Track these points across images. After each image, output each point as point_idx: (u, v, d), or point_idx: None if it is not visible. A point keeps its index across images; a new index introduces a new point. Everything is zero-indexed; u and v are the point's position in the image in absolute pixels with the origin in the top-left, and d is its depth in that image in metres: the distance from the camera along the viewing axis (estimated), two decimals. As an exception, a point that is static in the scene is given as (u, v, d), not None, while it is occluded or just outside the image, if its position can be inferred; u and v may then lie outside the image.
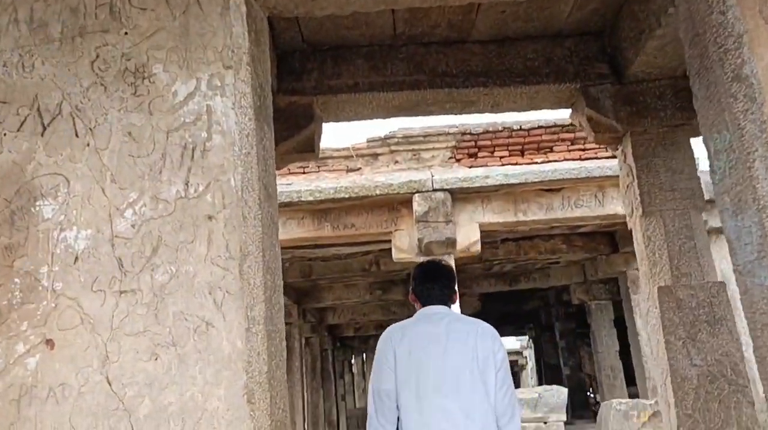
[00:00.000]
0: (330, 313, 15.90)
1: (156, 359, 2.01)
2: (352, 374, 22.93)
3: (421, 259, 8.75)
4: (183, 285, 2.08)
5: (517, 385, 34.17)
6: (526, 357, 30.21)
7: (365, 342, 21.99)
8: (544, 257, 11.08)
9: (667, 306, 3.75)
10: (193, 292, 2.08)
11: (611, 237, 10.78)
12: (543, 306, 15.95)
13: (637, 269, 10.20)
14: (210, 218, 2.16)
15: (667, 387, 3.73)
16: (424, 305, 2.80)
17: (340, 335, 18.91)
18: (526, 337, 23.17)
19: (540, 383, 18.42)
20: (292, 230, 8.39)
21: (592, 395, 17.98)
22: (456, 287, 2.89)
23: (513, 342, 30.80)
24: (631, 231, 4.17)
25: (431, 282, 2.82)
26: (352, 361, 23.25)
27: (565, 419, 7.33)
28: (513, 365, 33.54)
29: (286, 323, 13.13)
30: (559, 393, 7.33)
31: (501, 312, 17.24)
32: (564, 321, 15.91)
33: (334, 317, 15.92)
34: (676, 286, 3.77)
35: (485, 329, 2.72)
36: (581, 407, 15.39)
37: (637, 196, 4.00)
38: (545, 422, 7.26)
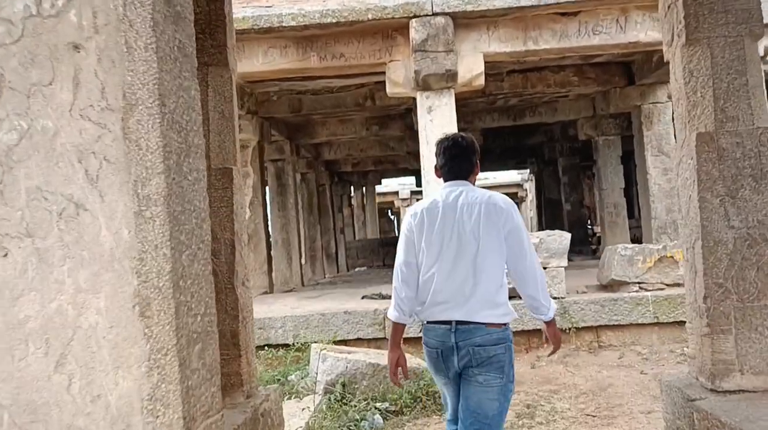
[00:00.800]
0: (326, 148, 15.33)
1: (4, 255, 1.40)
2: (351, 208, 22.88)
3: (418, 94, 7.99)
4: (39, 149, 1.42)
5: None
6: (526, 190, 30.15)
7: (364, 177, 21.68)
8: (553, 90, 10.24)
9: (707, 157, 3.10)
10: (54, 159, 1.42)
11: (627, 68, 9.87)
12: (547, 141, 15.32)
13: (653, 104, 9.43)
14: (76, 47, 1.44)
15: (695, 251, 3.18)
16: (445, 181, 2.93)
17: (337, 170, 18.50)
18: (527, 170, 22.80)
19: (540, 217, 18.31)
20: (274, 61, 7.53)
21: (591, 228, 17.93)
22: (477, 161, 2.95)
23: (514, 175, 30.61)
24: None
25: (451, 160, 2.92)
26: (352, 195, 23.11)
27: (565, 265, 6.99)
28: (512, 197, 33.76)
29: (278, 160, 12.63)
30: (561, 239, 6.93)
31: (503, 147, 16.66)
32: (568, 156, 15.36)
33: (330, 152, 15.37)
34: (719, 132, 3.09)
35: (497, 199, 2.78)
36: (581, 242, 15.31)
37: (681, 19, 3.19)
38: (545, 268, 6.93)
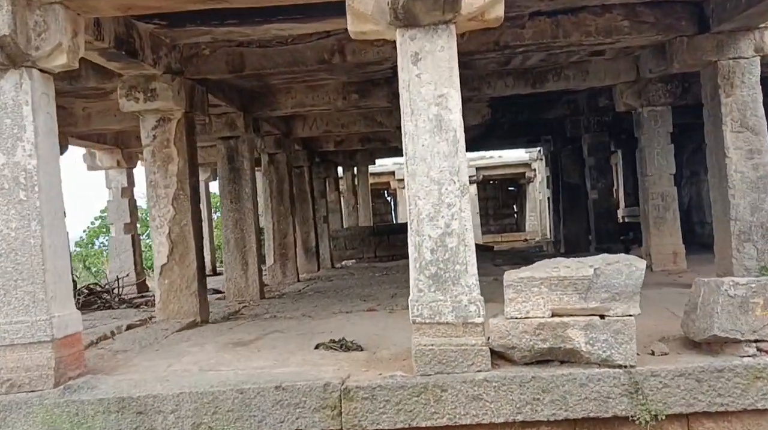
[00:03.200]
0: (299, 124, 12.53)
1: None
2: (339, 192, 20.11)
3: (398, 33, 5.17)
4: None
5: (521, 203, 31.94)
6: (534, 170, 27.33)
7: (351, 157, 18.88)
8: (594, 41, 7.44)
9: None
10: None
11: (698, 9, 7.06)
12: (570, 114, 12.53)
13: (735, 59, 6.65)
14: None
15: None
16: None
17: (318, 150, 15.71)
18: (537, 149, 19.98)
19: (556, 205, 15.53)
20: (168, -19, 4.74)
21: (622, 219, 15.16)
22: None
23: (521, 154, 27.77)
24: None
25: None
26: (340, 177, 20.31)
27: (637, 311, 4.27)
28: (517, 179, 30.97)
29: (230, 138, 9.82)
30: (630, 269, 4.21)
31: (514, 121, 13.84)
32: (596, 133, 12.57)
33: (305, 128, 12.57)
34: None
35: None
36: (609, 238, 12.59)
37: None
38: (602, 316, 4.23)
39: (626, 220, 18.53)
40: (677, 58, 7.27)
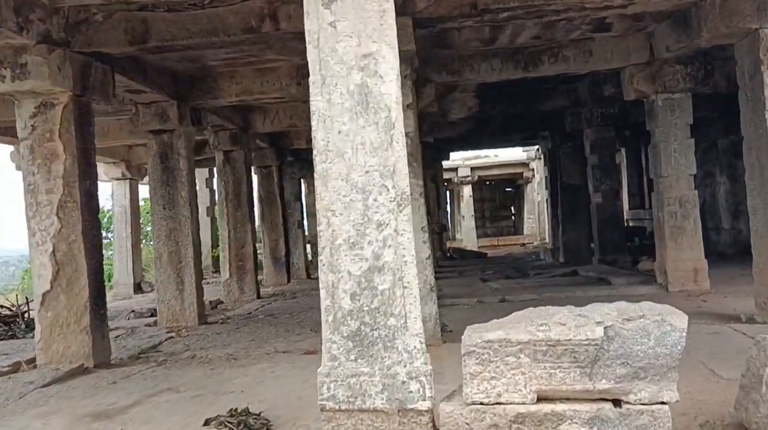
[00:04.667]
0: (258, 116, 10.90)
1: None
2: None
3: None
4: None
5: (519, 205, 30.22)
6: (533, 169, 25.68)
7: (328, 155, 17.22)
8: (598, 2, 5.83)
9: None
10: None
11: (735, -39, 5.44)
12: (569, 106, 10.91)
13: (785, 24, 4.99)
14: None
15: None
16: None
17: (290, 147, 14.07)
18: (536, 147, 18.31)
19: (555, 209, 13.88)
20: None
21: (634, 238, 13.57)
22: None
23: (518, 153, 26.11)
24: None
25: None
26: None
27: (675, 397, 2.66)
28: (515, 179, 29.30)
29: (162, 131, 8.11)
30: (663, 330, 2.61)
31: (507, 115, 12.24)
32: (599, 127, 10.93)
33: (265, 122, 10.95)
34: None
35: None
36: (616, 249, 10.96)
37: None
38: (617, 402, 2.63)
39: (631, 223, 16.95)
40: (707, 26, 5.65)
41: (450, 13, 5.73)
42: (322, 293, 2.93)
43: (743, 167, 5.86)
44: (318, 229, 2.97)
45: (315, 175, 3.00)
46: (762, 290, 5.55)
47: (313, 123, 3.02)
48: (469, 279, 11.17)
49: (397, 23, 5.63)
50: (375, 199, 2.94)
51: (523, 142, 17.82)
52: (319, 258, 2.95)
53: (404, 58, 5.69)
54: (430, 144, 12.97)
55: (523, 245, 24.26)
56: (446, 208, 30.13)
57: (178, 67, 7.83)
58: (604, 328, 2.69)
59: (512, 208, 31.61)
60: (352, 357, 2.87)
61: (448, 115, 11.04)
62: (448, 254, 18.33)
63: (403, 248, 2.93)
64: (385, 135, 2.97)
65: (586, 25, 7.40)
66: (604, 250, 10.95)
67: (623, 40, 7.83)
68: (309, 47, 3.04)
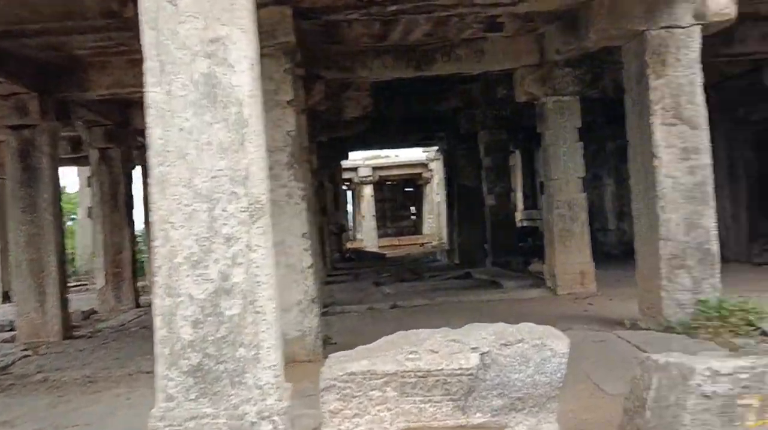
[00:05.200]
0: (138, 111, 10.09)
1: None
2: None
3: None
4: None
5: (419, 205, 30.36)
6: (432, 170, 25.82)
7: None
8: (487, 1, 5.64)
9: None
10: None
11: (620, -36, 5.38)
12: (464, 107, 10.84)
13: (668, 29, 5.00)
14: None
15: None
16: None
17: (177, 144, 13.23)
18: (436, 148, 18.30)
19: (451, 211, 13.84)
20: None
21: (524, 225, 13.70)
22: None
23: (418, 154, 26.16)
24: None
25: None
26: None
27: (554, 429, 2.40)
28: (415, 180, 29.39)
29: (22, 127, 7.16)
30: (543, 356, 2.34)
31: (404, 115, 12.04)
32: (493, 129, 10.91)
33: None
34: None
35: None
36: (508, 251, 10.97)
37: None
38: (494, 437, 2.35)
39: (525, 224, 17.29)
40: (594, 27, 5.57)
41: (335, 2, 5.36)
42: (157, 321, 2.47)
43: (628, 171, 5.85)
44: (153, 244, 2.51)
45: (150, 181, 2.54)
46: (646, 295, 5.53)
47: (149, 119, 2.56)
48: (363, 283, 10.88)
49: (275, 12, 5.20)
50: (223, 209, 2.52)
51: (422, 143, 17.79)
52: (154, 279, 2.49)
53: (284, 50, 5.29)
54: (326, 143, 12.59)
55: (422, 245, 24.36)
56: (347, 208, 29.91)
57: (42, 56, 7.03)
58: (480, 355, 2.40)
59: (413, 208, 31.72)
60: (193, 396, 2.44)
61: (343, 113, 10.67)
62: (347, 256, 18.02)
63: (257, 267, 2.53)
64: (236, 134, 2.55)
65: (478, 24, 7.25)
66: (496, 252, 10.95)
67: (515, 41, 7.75)
68: (145, 29, 2.58)
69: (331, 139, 12.99)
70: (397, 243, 26.77)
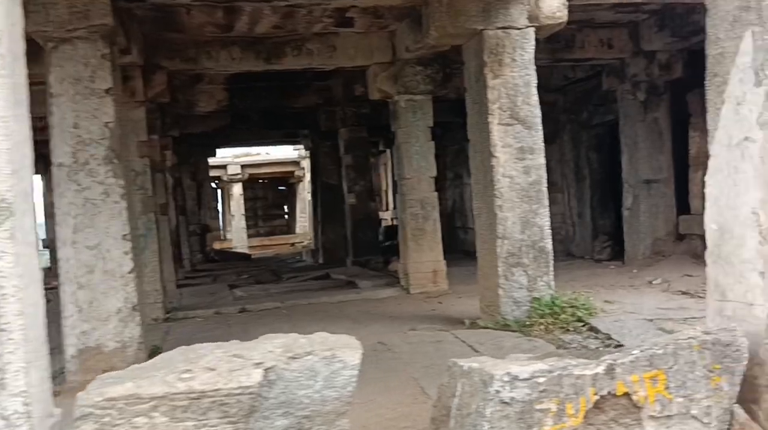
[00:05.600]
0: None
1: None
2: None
3: None
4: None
5: (292, 204, 29.89)
6: (303, 168, 25.45)
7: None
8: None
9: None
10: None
11: (460, -39, 5.36)
12: (323, 104, 10.63)
13: (505, 29, 5.05)
14: None
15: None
16: None
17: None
18: (302, 146, 17.99)
19: (315, 209, 13.61)
20: None
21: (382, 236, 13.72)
22: None
23: (289, 152, 25.70)
24: None
25: None
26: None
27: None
28: (288, 178, 28.90)
29: None
30: (333, 369, 2.16)
31: (264, 111, 11.66)
32: (353, 127, 10.78)
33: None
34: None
35: None
36: (369, 249, 10.90)
37: None
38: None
39: (395, 222, 17.38)
40: (435, 25, 5.52)
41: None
42: None
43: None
44: None
45: None
46: (486, 293, 5.57)
47: None
48: (220, 285, 10.40)
49: (89, -9, 4.70)
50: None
51: (287, 141, 17.45)
52: None
53: (102, 34, 4.80)
54: (183, 138, 11.94)
55: (293, 245, 23.96)
56: (216, 207, 28.91)
57: None
58: (264, 370, 2.16)
59: (286, 207, 31.21)
60: None
61: (195, 107, 10.16)
62: (210, 256, 17.33)
63: (3, 277, 2.15)
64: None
65: (327, 18, 7.06)
66: (358, 251, 10.85)
67: (367, 37, 7.64)
68: None
69: (189, 134, 12.37)
70: (268, 243, 26.21)
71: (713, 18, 2.94)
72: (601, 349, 4.48)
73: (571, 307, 5.18)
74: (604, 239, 9.73)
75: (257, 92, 10.46)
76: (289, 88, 10.45)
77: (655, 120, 8.57)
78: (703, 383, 2.59)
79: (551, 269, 5.42)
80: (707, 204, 3.01)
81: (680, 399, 2.57)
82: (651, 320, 5.13)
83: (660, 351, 2.57)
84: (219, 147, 18.42)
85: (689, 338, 2.60)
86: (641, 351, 2.57)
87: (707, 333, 2.63)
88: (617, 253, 9.22)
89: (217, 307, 7.69)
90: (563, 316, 5.07)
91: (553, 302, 5.22)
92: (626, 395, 2.53)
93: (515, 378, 2.40)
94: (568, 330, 4.95)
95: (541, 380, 2.43)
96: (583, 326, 5.02)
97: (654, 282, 7.09)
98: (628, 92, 8.56)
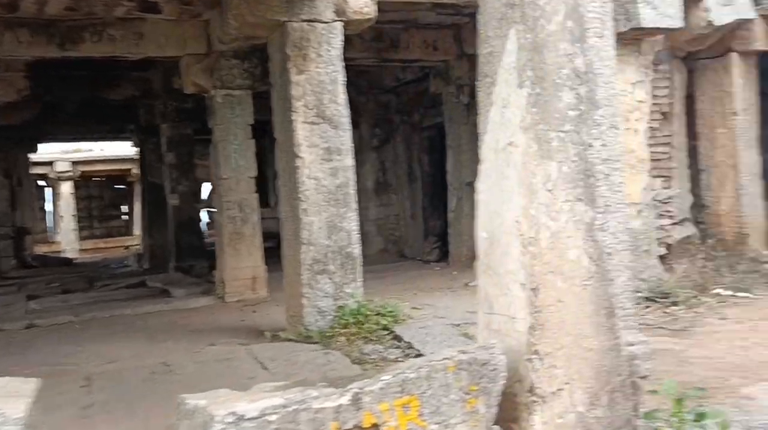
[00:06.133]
0: None
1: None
2: None
3: None
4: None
5: (131, 204, 27.98)
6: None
7: None
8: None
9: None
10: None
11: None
12: (141, 96, 9.81)
13: (310, 22, 4.75)
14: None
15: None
16: None
17: None
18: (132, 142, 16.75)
19: (143, 212, 12.65)
20: None
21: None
22: None
23: (127, 148, 23.94)
24: None
25: None
26: None
27: None
28: (126, 177, 27.05)
29: None
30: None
31: (82, 102, 10.58)
32: (175, 122, 10.02)
33: None
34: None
35: None
36: (194, 254, 10.17)
37: None
38: None
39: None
40: (232, 13, 5.12)
41: None
42: None
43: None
44: None
45: None
46: (291, 303, 5.24)
47: None
48: (21, 295, 9.28)
49: None
50: None
51: (115, 136, 16.19)
52: None
53: None
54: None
55: (128, 247, 22.44)
56: (42, 207, 26.48)
57: None
58: None
59: (124, 207, 29.23)
60: None
61: (-10, 96, 8.99)
62: (28, 262, 15.69)
63: None
64: None
65: (129, 2, 6.40)
66: (181, 256, 10.13)
67: (180, 25, 7.04)
68: None
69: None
70: (102, 245, 24.39)
71: (483, 15, 2.78)
72: (400, 359, 4.31)
73: (377, 315, 4.97)
74: (433, 241, 9.77)
75: (69, 82, 9.47)
76: (104, 79, 9.54)
77: (478, 123, 8.67)
78: (458, 407, 2.39)
79: (359, 275, 5.19)
80: (478, 212, 2.86)
81: (434, 426, 2.35)
82: (457, 325, 5.03)
83: (413, 375, 2.33)
84: (39, 142, 16.79)
85: (444, 359, 2.39)
86: (393, 376, 2.31)
87: (464, 352, 2.43)
88: (444, 254, 9.28)
89: (1, 322, 6.75)
90: (367, 325, 4.85)
91: (359, 311, 4.98)
92: (375, 426, 2.27)
93: (241, 418, 2.05)
94: (371, 340, 4.73)
95: (273, 417, 2.09)
96: (388, 334, 4.82)
97: (470, 284, 7.10)
98: (453, 95, 8.62)
